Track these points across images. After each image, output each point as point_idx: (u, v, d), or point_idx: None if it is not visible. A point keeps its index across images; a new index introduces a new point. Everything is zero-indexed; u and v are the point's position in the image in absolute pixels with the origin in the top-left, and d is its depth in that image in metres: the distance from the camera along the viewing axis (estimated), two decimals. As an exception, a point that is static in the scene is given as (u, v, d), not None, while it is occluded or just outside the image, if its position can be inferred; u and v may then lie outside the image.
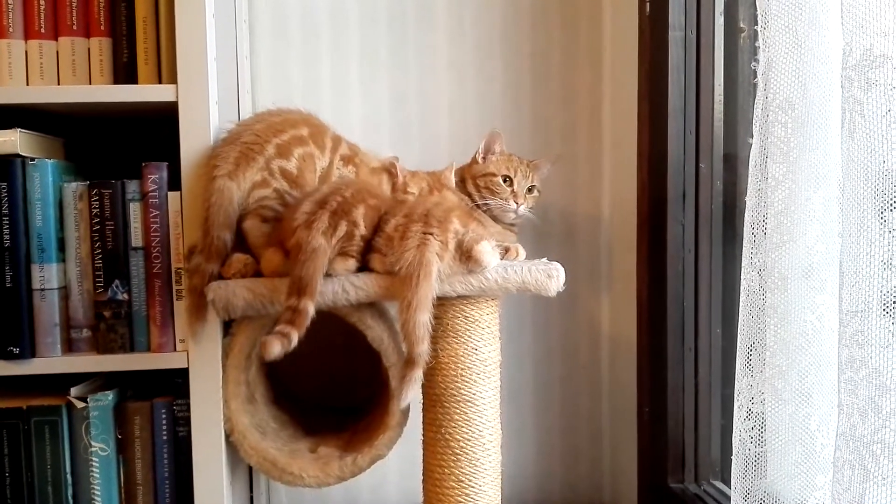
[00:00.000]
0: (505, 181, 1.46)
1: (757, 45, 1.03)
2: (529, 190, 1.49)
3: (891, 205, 0.77)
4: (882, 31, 0.77)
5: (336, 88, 1.72)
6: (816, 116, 0.96)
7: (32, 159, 1.24)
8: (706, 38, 1.47)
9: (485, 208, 1.47)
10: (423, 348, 1.14)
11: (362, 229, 1.20)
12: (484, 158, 1.50)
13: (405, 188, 1.42)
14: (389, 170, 1.41)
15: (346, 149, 1.38)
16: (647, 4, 1.57)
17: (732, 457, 1.08)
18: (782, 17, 0.98)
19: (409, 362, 1.14)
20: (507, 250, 1.32)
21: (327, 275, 1.18)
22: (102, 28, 1.28)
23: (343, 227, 1.18)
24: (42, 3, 1.26)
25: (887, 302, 0.77)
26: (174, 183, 1.27)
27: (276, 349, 1.08)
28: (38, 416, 1.27)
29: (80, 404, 1.28)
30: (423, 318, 1.13)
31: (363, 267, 1.23)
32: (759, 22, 1.02)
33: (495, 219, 1.48)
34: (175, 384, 1.31)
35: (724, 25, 1.46)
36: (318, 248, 1.15)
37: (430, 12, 1.73)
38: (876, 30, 0.77)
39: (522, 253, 1.34)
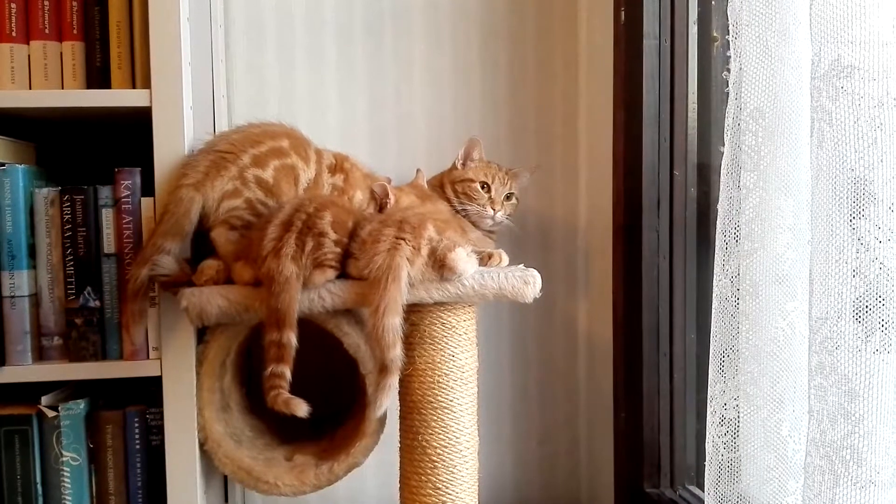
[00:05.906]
0: (483, 187, 1.47)
1: (729, 54, 1.05)
2: (507, 197, 1.49)
3: (859, 213, 0.79)
4: (850, 42, 0.78)
5: (312, 95, 1.71)
6: (786, 125, 0.97)
7: (3, 164, 1.22)
8: (680, 46, 1.48)
9: (463, 214, 1.47)
10: (396, 353, 1.12)
11: (332, 235, 1.19)
12: (463, 164, 1.51)
13: (398, 205, 1.40)
14: (381, 196, 1.38)
15: (331, 158, 1.36)
16: (622, 13, 1.58)
17: (706, 462, 1.09)
18: (753, 26, 0.99)
19: (382, 369, 1.13)
20: (490, 256, 1.32)
21: (305, 287, 1.17)
22: (75, 32, 1.26)
23: (311, 242, 1.17)
24: (13, 6, 1.24)
25: (856, 308, 0.79)
26: (147, 189, 1.25)
27: (293, 402, 1.15)
28: (8, 426, 1.25)
29: (50, 413, 1.26)
30: (393, 322, 1.12)
31: (344, 275, 1.22)
32: (731, 31, 1.03)
33: (474, 225, 1.48)
34: (148, 392, 1.29)
35: (698, 34, 1.47)
36: (290, 276, 1.14)
37: (407, 20, 1.73)
38: (844, 40, 0.78)
39: (506, 259, 1.33)
